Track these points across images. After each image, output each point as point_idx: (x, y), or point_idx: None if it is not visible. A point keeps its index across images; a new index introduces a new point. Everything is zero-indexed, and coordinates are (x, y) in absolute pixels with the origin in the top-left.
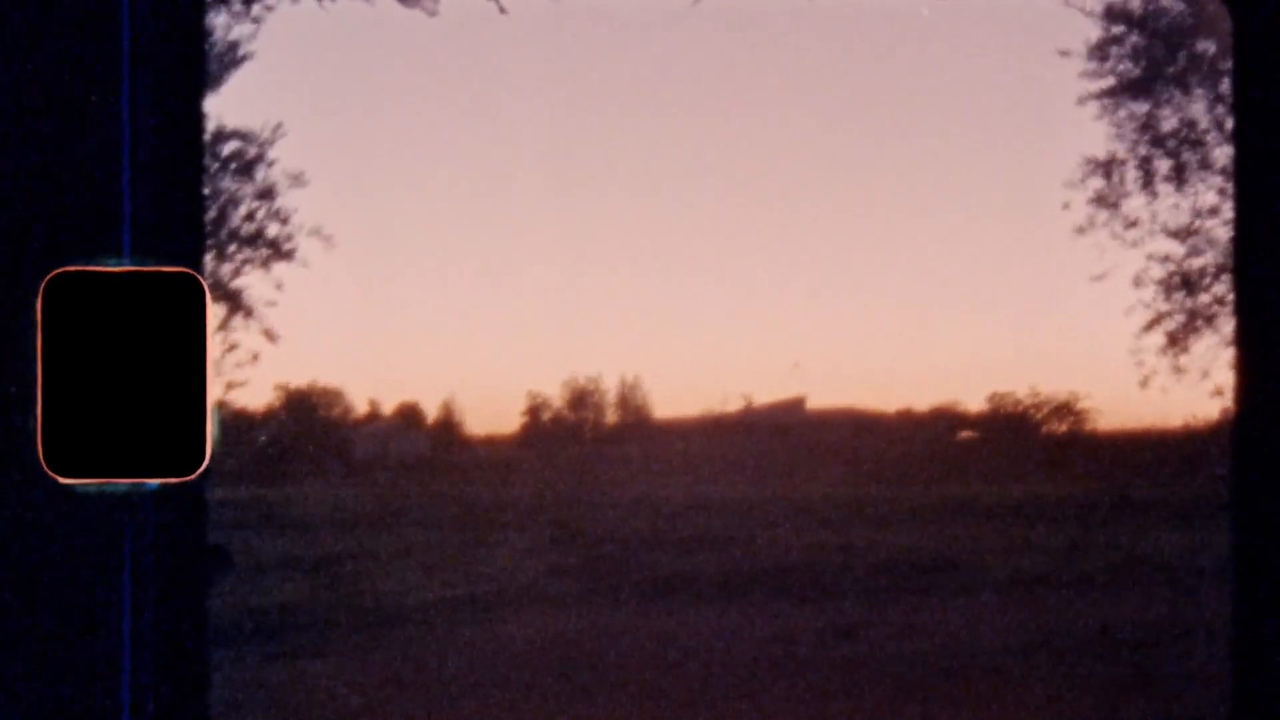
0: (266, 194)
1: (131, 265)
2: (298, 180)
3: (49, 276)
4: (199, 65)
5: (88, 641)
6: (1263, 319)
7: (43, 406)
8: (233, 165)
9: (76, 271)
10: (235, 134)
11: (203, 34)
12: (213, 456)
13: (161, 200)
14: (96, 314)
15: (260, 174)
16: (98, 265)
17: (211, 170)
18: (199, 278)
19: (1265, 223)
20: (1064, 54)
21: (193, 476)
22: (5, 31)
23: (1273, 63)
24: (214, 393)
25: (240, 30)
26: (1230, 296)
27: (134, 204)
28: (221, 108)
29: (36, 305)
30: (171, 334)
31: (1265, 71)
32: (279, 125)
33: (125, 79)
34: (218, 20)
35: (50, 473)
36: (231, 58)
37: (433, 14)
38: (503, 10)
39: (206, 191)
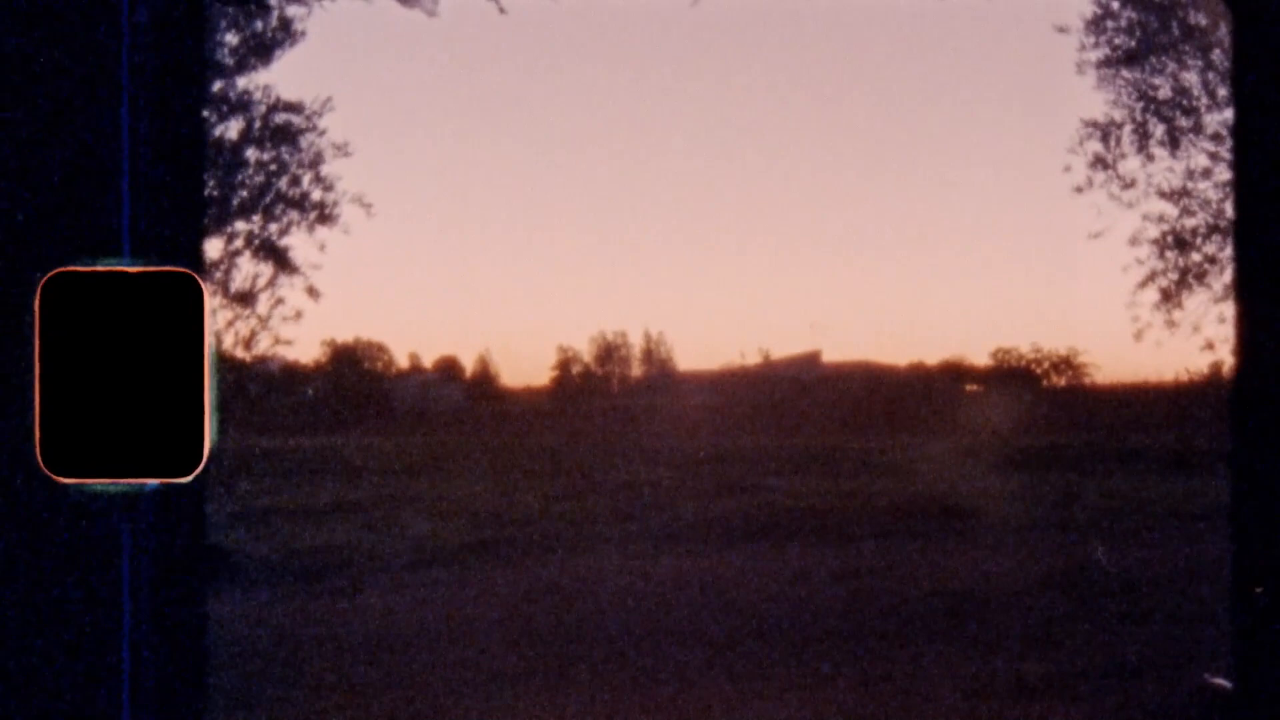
0: (313, 162)
1: (131, 265)
2: (343, 150)
3: (47, 276)
4: (199, 64)
5: (87, 641)
6: (1261, 321)
7: (40, 407)
8: (281, 135)
9: (74, 271)
10: (286, 105)
11: (203, 33)
12: (264, 410)
13: (161, 200)
14: (95, 314)
15: (307, 143)
16: (97, 265)
17: (262, 139)
18: (198, 278)
19: (1264, 216)
20: (1061, 29)
21: (191, 477)
22: (4, 30)
23: (1272, 56)
24: (259, 347)
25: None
26: (1220, 254)
27: (133, 203)
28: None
29: (34, 305)
30: (170, 334)
31: (1265, 65)
32: (328, 99)
33: (125, 77)
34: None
35: (48, 472)
36: (281, 38)
37: (431, 14)
38: (502, 10)
39: (257, 158)
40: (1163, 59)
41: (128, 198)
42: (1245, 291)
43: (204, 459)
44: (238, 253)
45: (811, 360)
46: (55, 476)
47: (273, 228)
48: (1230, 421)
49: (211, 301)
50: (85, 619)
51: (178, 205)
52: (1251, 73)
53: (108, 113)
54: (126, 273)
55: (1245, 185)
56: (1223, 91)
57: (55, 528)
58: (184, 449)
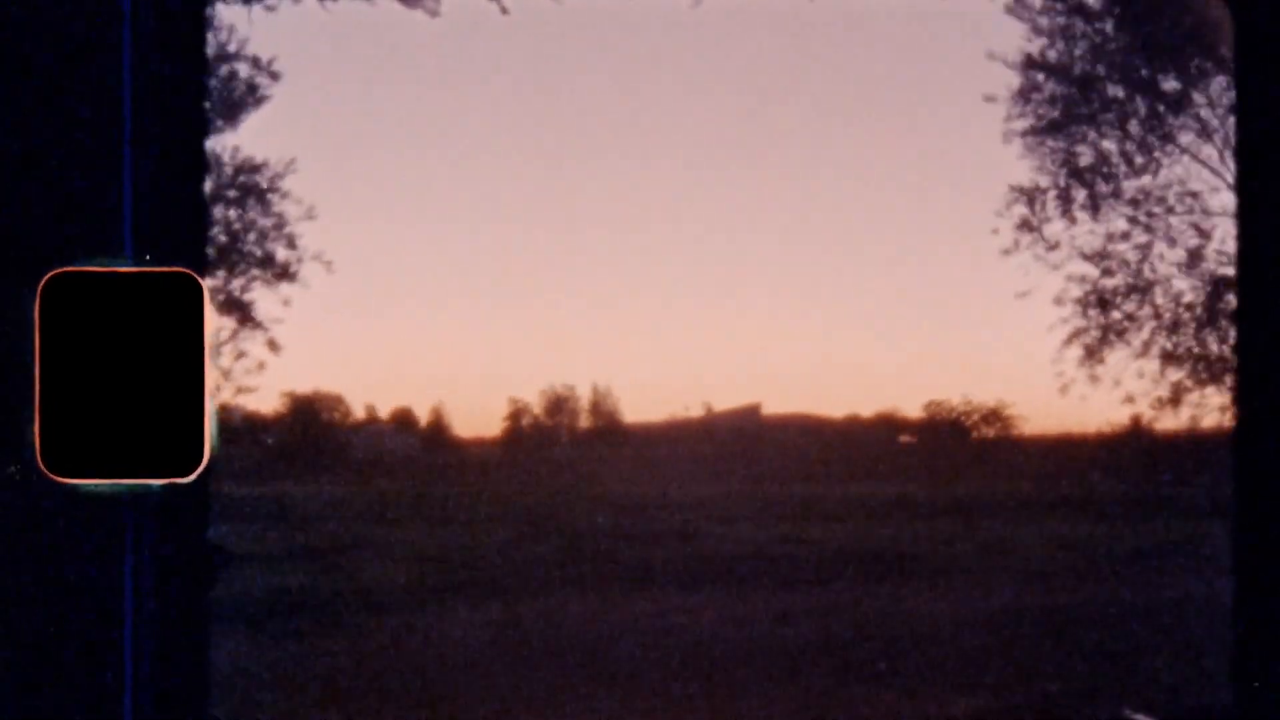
0: (277, 222)
1: (132, 265)
2: (309, 213)
3: (47, 277)
4: (200, 64)
5: (90, 640)
6: (1263, 318)
7: (40, 407)
8: (247, 194)
9: (74, 271)
10: (251, 166)
11: (204, 34)
12: (224, 457)
13: (162, 200)
14: (95, 314)
15: (273, 203)
16: (97, 265)
17: (228, 197)
18: (197, 278)
19: (1266, 220)
20: (989, 99)
21: (191, 477)
22: (7, 32)
23: (1273, 61)
24: (222, 396)
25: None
26: (1139, 313)
27: (135, 204)
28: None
29: (34, 305)
30: (170, 334)
31: (1266, 69)
32: (292, 160)
33: (127, 78)
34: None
35: (48, 473)
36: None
37: (434, 14)
38: (504, 11)
39: (227, 216)
40: (1084, 129)
41: (129, 198)
42: (1247, 287)
43: (205, 459)
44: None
45: (752, 412)
46: (55, 477)
47: (235, 283)
48: (1233, 456)
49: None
50: (87, 619)
51: (178, 205)
52: (1253, 75)
53: (109, 113)
54: (126, 273)
55: (1248, 186)
56: (1140, 159)
57: (57, 528)
58: (185, 449)
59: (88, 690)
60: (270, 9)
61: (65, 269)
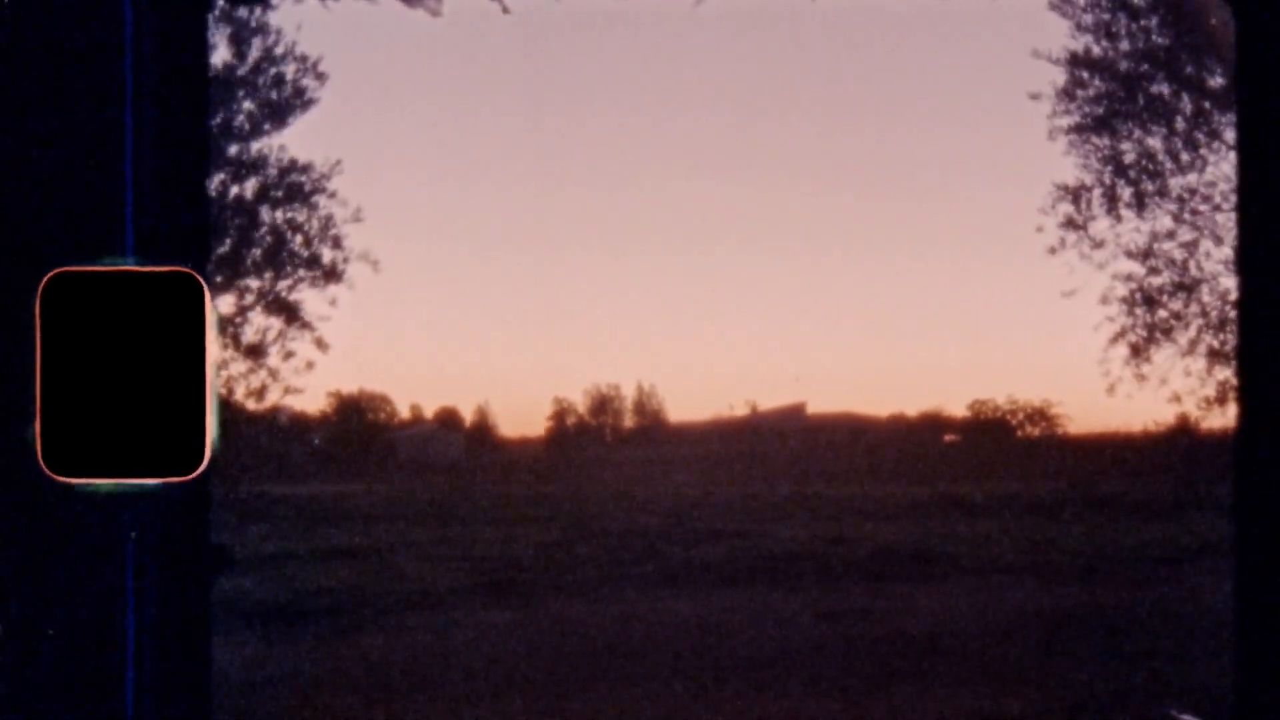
0: (324, 222)
1: (135, 265)
2: (355, 215)
3: (48, 276)
4: (202, 64)
5: (91, 639)
6: (1265, 317)
7: (42, 406)
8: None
9: (75, 271)
10: (297, 167)
11: (205, 34)
12: (274, 456)
13: (164, 200)
14: (96, 313)
15: (318, 204)
16: (99, 264)
17: (275, 200)
18: (199, 277)
19: (1267, 220)
20: (1034, 97)
21: (193, 475)
22: (9, 34)
23: (1275, 60)
24: (270, 397)
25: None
26: (1186, 311)
27: (137, 203)
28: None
29: (35, 305)
30: (171, 333)
31: (1267, 70)
32: (338, 162)
33: (128, 78)
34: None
35: (49, 472)
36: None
37: (436, 14)
38: (506, 10)
39: (272, 218)
40: (1129, 126)
41: (131, 197)
42: (1247, 287)
43: (206, 457)
44: (249, 308)
45: (797, 411)
46: (57, 476)
47: (283, 284)
48: (1234, 462)
49: (223, 354)
50: (89, 618)
51: (180, 205)
52: (1255, 75)
53: (111, 113)
54: (127, 272)
55: (1248, 186)
56: (1186, 156)
57: (58, 527)
58: (186, 448)
59: (88, 690)
60: (272, 8)
61: (66, 268)
